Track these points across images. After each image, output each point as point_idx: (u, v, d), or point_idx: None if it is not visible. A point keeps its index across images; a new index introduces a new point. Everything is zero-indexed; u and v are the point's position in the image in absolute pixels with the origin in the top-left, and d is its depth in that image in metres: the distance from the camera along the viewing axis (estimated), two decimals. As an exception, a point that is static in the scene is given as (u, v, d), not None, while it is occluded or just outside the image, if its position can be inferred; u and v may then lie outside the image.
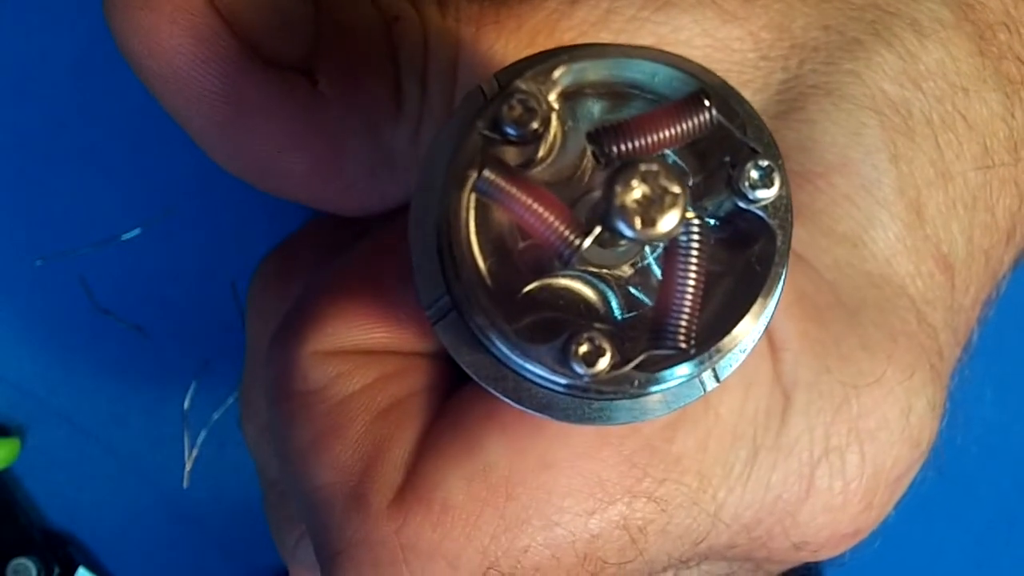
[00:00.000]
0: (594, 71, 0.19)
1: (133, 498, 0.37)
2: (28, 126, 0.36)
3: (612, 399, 0.19)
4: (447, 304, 0.18)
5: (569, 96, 0.19)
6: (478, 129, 0.18)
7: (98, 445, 0.37)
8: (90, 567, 0.37)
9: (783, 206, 0.18)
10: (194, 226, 0.37)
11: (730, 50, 0.24)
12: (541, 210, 0.17)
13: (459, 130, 0.18)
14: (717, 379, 0.19)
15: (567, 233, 0.17)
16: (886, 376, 0.23)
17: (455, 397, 0.23)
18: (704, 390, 0.19)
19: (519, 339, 0.18)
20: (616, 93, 0.19)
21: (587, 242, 0.17)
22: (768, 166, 0.18)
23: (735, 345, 0.18)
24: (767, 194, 0.18)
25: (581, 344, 0.17)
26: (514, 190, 0.17)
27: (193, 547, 0.38)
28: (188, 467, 0.37)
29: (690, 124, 0.17)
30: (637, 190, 0.16)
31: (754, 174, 0.18)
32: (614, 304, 0.19)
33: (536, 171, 0.19)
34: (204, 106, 0.23)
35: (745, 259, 0.19)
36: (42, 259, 0.36)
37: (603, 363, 0.17)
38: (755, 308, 0.18)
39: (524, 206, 0.17)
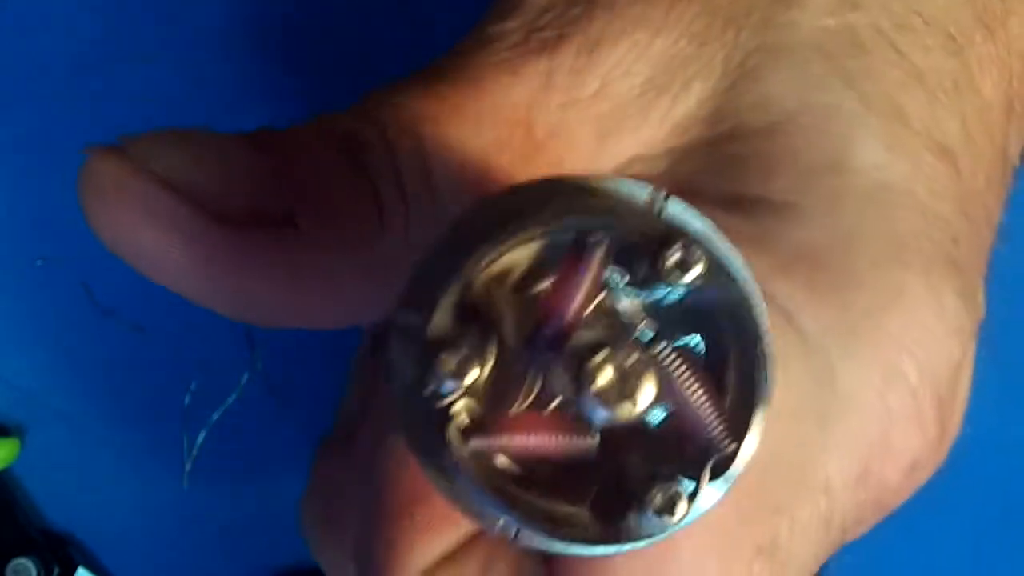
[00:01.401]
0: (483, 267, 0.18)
1: (133, 498, 0.37)
2: (28, 126, 0.36)
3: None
4: (508, 527, 0.18)
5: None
6: (427, 410, 0.17)
7: (98, 445, 0.37)
8: (90, 567, 0.37)
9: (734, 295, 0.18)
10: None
11: (670, 57, 0.24)
12: (544, 442, 0.17)
13: (404, 411, 0.18)
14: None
15: (577, 442, 0.17)
16: (906, 284, 0.23)
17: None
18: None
19: (601, 537, 0.18)
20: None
21: (596, 440, 0.17)
22: (683, 245, 0.17)
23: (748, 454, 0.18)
24: (694, 273, 0.17)
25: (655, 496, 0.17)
26: (501, 441, 0.17)
27: (193, 547, 0.38)
28: (188, 467, 0.37)
29: (592, 274, 0.17)
30: (602, 381, 0.16)
31: (675, 258, 0.17)
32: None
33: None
34: (185, 278, 0.24)
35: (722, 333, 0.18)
36: (42, 259, 0.36)
37: (682, 509, 0.17)
38: (755, 420, 0.18)
39: (526, 448, 0.17)
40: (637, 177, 0.24)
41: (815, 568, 0.24)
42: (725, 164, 0.24)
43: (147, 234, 0.23)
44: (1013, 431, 0.38)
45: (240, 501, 0.37)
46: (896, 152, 0.24)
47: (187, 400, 0.37)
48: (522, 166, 0.24)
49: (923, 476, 0.25)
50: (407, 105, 0.25)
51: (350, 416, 0.29)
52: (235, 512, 0.37)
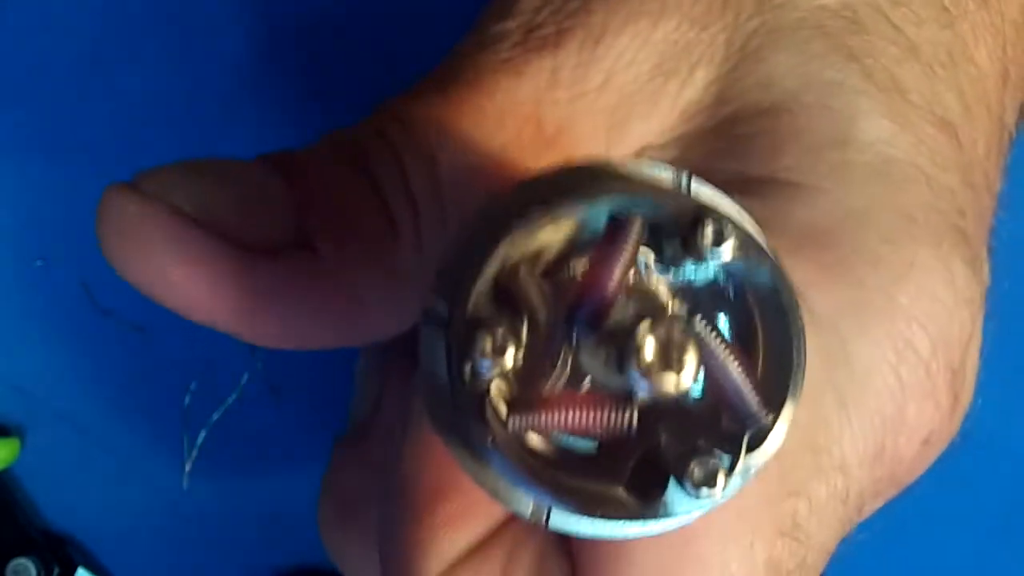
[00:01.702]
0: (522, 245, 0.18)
1: (133, 498, 0.37)
2: (28, 126, 0.36)
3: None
4: (539, 509, 0.18)
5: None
6: (464, 392, 0.17)
7: (98, 445, 0.37)
8: (90, 567, 0.37)
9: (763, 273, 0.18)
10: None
11: (673, 43, 0.25)
12: (582, 417, 0.17)
13: (436, 396, 0.18)
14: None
15: (616, 418, 0.17)
16: (917, 257, 0.24)
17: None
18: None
19: (640, 513, 0.18)
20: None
21: (635, 417, 0.17)
22: (714, 221, 0.17)
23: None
24: (727, 248, 0.17)
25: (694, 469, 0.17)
26: (543, 417, 0.17)
27: (193, 547, 0.38)
28: (188, 467, 0.37)
29: (629, 252, 0.17)
30: (647, 354, 0.16)
31: (709, 234, 0.17)
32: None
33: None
34: (214, 310, 0.24)
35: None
36: (42, 259, 0.36)
37: (721, 482, 0.17)
38: (789, 405, 0.18)
39: (564, 425, 0.17)
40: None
41: (834, 545, 0.24)
42: (732, 146, 0.25)
43: (174, 270, 0.23)
44: (1014, 431, 0.38)
45: (240, 501, 0.37)
46: (899, 125, 0.24)
47: (187, 400, 0.37)
48: (533, 163, 0.24)
49: (937, 449, 0.25)
50: (414, 113, 0.25)
51: (363, 414, 0.29)
52: (235, 512, 0.37)
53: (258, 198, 0.24)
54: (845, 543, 0.25)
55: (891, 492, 0.25)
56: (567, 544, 0.23)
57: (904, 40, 0.25)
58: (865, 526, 0.26)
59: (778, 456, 0.20)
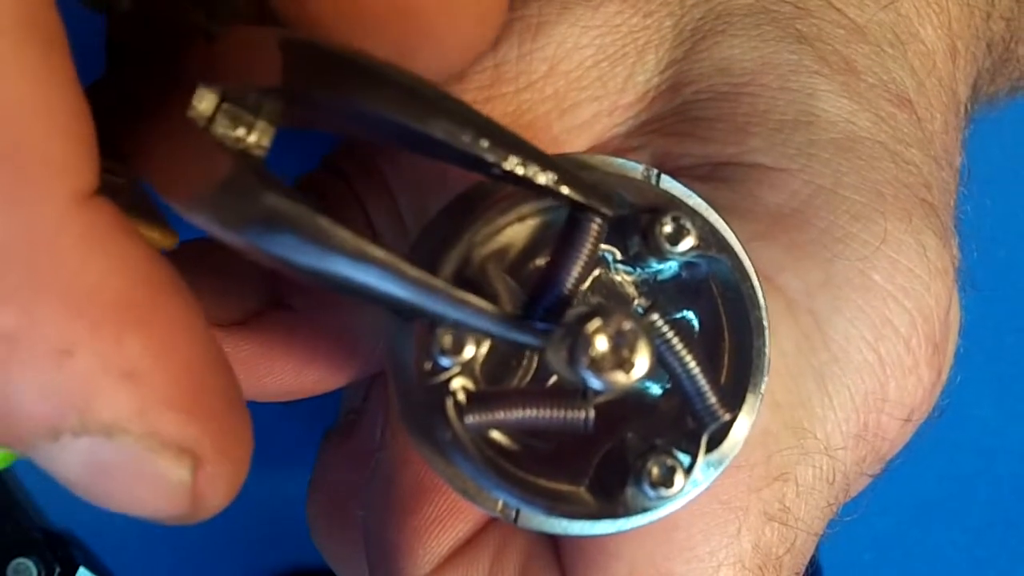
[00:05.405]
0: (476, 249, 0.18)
1: (133, 498, 0.37)
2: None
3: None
4: (508, 508, 0.18)
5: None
6: (426, 388, 0.17)
7: (99, 445, 0.37)
8: (90, 567, 0.37)
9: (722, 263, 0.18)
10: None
11: (615, 27, 0.25)
12: (539, 414, 0.17)
13: (407, 386, 0.18)
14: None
15: (573, 415, 0.17)
16: (888, 232, 0.24)
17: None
18: None
19: (600, 512, 0.18)
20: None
21: (591, 413, 0.17)
22: (674, 216, 0.18)
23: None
24: (687, 243, 0.18)
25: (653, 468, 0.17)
26: (497, 415, 0.17)
27: (193, 547, 0.38)
28: (188, 467, 0.37)
29: (587, 248, 0.17)
30: (598, 347, 0.16)
31: (668, 229, 0.18)
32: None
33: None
34: None
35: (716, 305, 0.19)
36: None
37: (679, 481, 0.17)
38: (750, 401, 0.18)
39: (520, 421, 0.17)
40: (616, 154, 0.24)
41: (822, 527, 0.24)
42: (695, 130, 0.25)
43: None
44: (1009, 433, 0.38)
45: (240, 501, 0.37)
46: (858, 104, 0.24)
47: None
48: None
49: (918, 422, 0.25)
50: (366, 145, 0.25)
51: (353, 408, 0.29)
52: (235, 512, 0.37)
53: (227, 271, 0.25)
54: (835, 525, 0.25)
55: (875, 469, 0.25)
56: (555, 540, 0.23)
57: (849, 22, 0.25)
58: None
59: (750, 448, 0.20)
